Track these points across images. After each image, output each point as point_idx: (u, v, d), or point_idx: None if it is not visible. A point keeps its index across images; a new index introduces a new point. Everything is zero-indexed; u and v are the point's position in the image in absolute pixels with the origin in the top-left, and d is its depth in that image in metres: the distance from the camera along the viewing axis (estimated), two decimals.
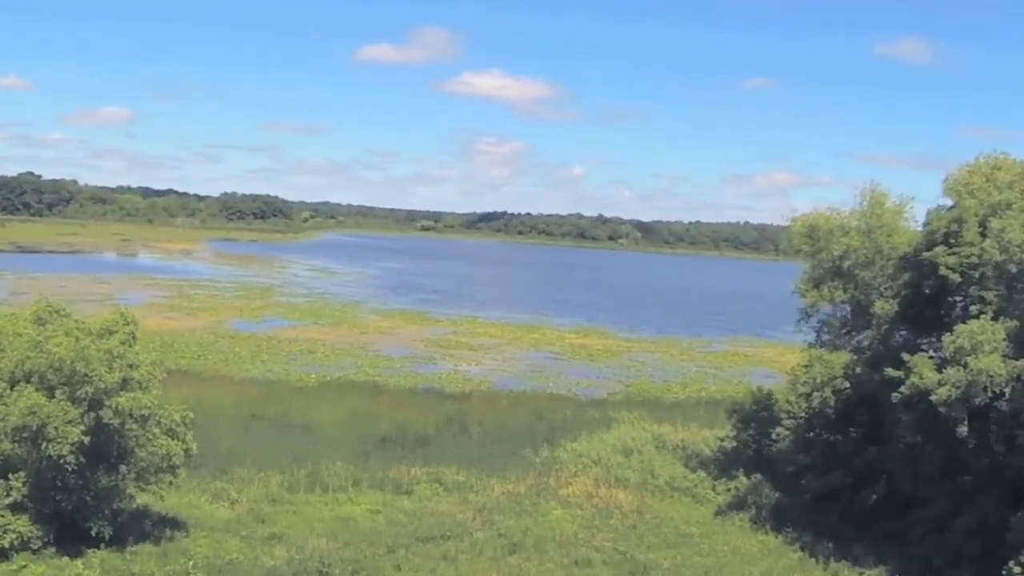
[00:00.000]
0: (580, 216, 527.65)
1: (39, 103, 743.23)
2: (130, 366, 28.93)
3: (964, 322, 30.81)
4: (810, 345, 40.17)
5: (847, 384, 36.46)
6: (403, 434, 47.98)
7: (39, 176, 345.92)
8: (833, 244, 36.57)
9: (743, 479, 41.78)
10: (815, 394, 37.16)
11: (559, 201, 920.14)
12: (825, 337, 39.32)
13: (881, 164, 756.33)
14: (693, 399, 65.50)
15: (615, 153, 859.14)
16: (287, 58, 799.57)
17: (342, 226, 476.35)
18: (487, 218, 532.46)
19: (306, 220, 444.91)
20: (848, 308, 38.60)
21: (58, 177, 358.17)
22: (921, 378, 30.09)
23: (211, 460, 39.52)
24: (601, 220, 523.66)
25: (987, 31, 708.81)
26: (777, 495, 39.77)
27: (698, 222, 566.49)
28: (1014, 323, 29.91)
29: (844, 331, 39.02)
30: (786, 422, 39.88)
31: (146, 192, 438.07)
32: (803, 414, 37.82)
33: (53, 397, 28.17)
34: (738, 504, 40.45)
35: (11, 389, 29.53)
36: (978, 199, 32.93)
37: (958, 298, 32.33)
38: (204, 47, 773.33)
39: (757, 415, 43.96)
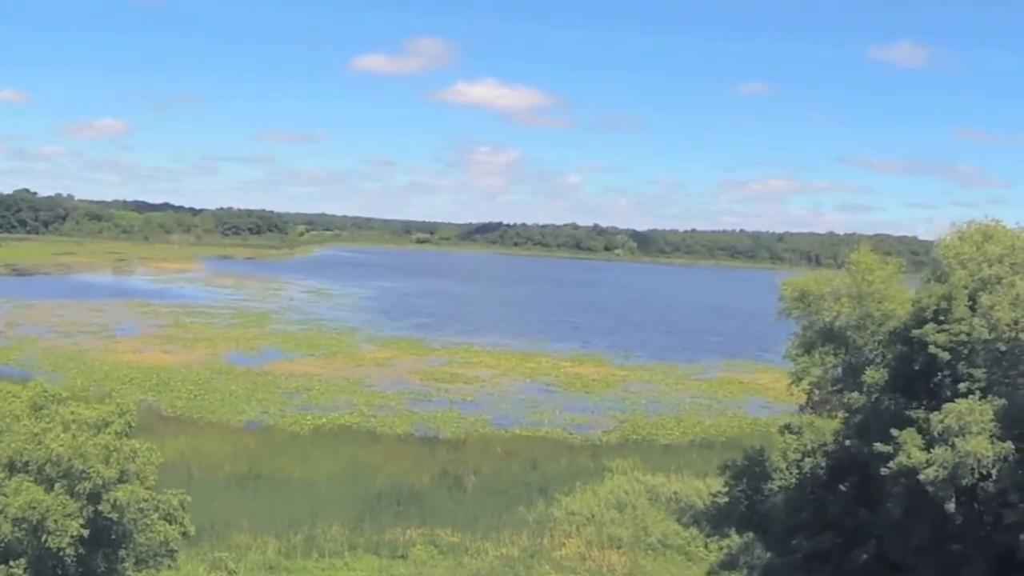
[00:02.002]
0: (575, 227, 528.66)
1: (34, 116, 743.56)
2: (127, 458, 29.24)
3: (953, 398, 31.24)
4: (800, 408, 40.60)
5: (837, 449, 36.87)
6: (398, 490, 48.30)
7: (35, 193, 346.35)
8: (824, 310, 36.98)
9: (735, 537, 42.23)
10: (806, 459, 37.60)
11: (555, 210, 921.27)
12: (816, 398, 39.70)
13: (877, 169, 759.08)
14: (686, 442, 65.74)
15: (611, 161, 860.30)
16: (282, 69, 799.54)
17: (338, 240, 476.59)
18: (483, 229, 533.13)
19: (301, 234, 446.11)
20: (839, 368, 38.98)
21: (54, 191, 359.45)
22: (909, 457, 30.52)
23: (208, 526, 39.80)
24: (597, 230, 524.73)
25: (982, 33, 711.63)
26: (769, 555, 40.21)
27: (694, 230, 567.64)
28: (1002, 401, 30.37)
29: (835, 390, 39.39)
30: (778, 482, 40.27)
31: (142, 206, 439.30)
32: (794, 480, 38.23)
33: (52, 490, 28.47)
34: (730, 563, 40.87)
35: (9, 476, 29.85)
36: (968, 270, 33.37)
37: (947, 372, 32.65)
38: (198, 59, 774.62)
39: (749, 470, 44.35)
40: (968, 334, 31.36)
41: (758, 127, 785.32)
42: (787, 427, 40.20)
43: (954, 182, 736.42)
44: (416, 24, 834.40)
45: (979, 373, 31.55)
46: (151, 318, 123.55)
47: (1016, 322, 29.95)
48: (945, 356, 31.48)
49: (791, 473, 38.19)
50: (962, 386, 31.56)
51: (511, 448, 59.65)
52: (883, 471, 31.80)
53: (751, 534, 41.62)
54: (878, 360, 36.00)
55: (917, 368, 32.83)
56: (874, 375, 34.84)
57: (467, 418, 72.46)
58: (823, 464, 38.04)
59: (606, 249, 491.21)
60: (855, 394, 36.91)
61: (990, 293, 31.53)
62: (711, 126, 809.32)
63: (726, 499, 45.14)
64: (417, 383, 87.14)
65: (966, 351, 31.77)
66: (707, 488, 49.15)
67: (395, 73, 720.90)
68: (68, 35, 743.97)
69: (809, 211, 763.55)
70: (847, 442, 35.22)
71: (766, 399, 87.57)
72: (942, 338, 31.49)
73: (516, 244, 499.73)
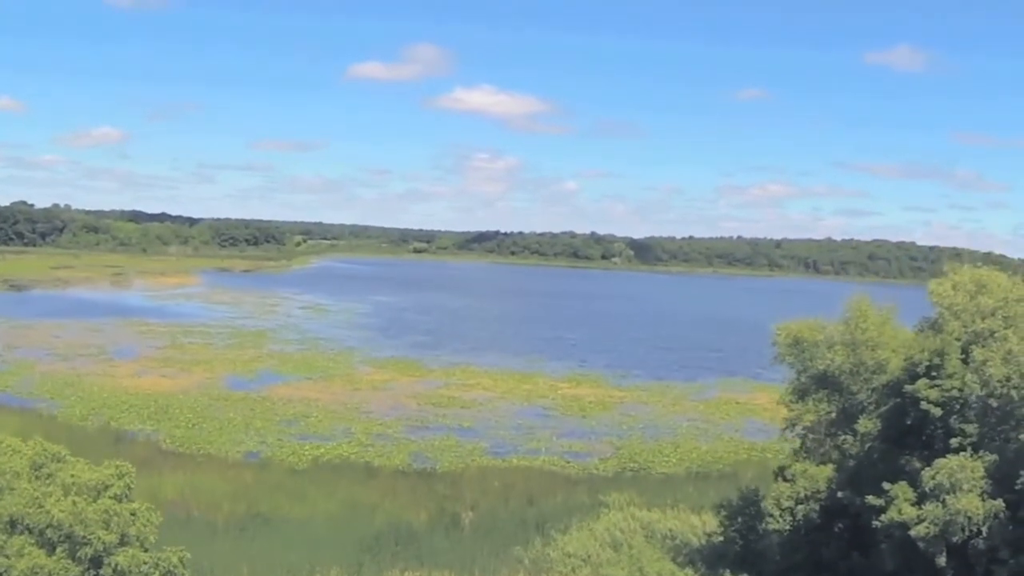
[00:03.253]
0: (573, 235, 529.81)
1: (32, 125, 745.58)
2: (127, 522, 29.56)
3: (945, 452, 31.57)
4: (794, 452, 40.88)
5: (830, 496, 37.19)
6: (396, 529, 48.54)
7: (32, 205, 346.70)
8: (818, 359, 37.31)
9: None
10: (799, 507, 37.91)
11: (553, 216, 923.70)
12: (810, 443, 40.00)
13: (875, 173, 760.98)
14: (683, 473, 65.93)
15: (608, 167, 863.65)
16: (279, 77, 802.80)
17: (335, 250, 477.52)
18: (480, 239, 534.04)
19: (298, 244, 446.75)
20: (833, 412, 39.28)
21: (51, 199, 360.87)
22: (900, 513, 30.85)
23: (210, 572, 40.00)
24: (594, 238, 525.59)
25: (980, 37, 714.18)
26: None
27: (691, 237, 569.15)
28: (993, 457, 30.71)
29: (829, 434, 39.70)
30: (772, 525, 40.58)
31: (139, 215, 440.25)
32: (788, 527, 38.55)
33: (53, 554, 28.79)
34: None
35: (10, 535, 30.15)
36: (961, 321, 33.69)
37: (939, 427, 32.92)
38: (195, 67, 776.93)
39: (744, 510, 44.59)
40: (960, 390, 31.69)
41: (756, 132, 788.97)
42: (781, 474, 40.49)
43: (952, 186, 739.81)
44: (413, 31, 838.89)
45: (971, 428, 31.87)
46: (149, 338, 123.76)
47: (1008, 379, 30.28)
48: (937, 412, 31.81)
49: (784, 520, 38.51)
50: (954, 441, 31.88)
51: (508, 481, 59.86)
52: (875, 524, 32.11)
53: (746, 575, 41.87)
54: (871, 408, 36.32)
55: (909, 423, 33.16)
56: (867, 424, 35.16)
57: (464, 446, 72.72)
58: (816, 509, 38.36)
59: (603, 258, 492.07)
60: (848, 439, 37.25)
61: (983, 347, 31.83)
62: (709, 132, 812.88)
63: (721, 538, 45.41)
64: (414, 408, 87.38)
65: (958, 406, 32.09)
66: (703, 524, 49.49)
67: (392, 80, 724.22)
68: (65, 43, 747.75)
69: (807, 216, 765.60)
70: (839, 493, 35.52)
71: (763, 421, 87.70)
72: (934, 394, 31.82)
73: (513, 253, 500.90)
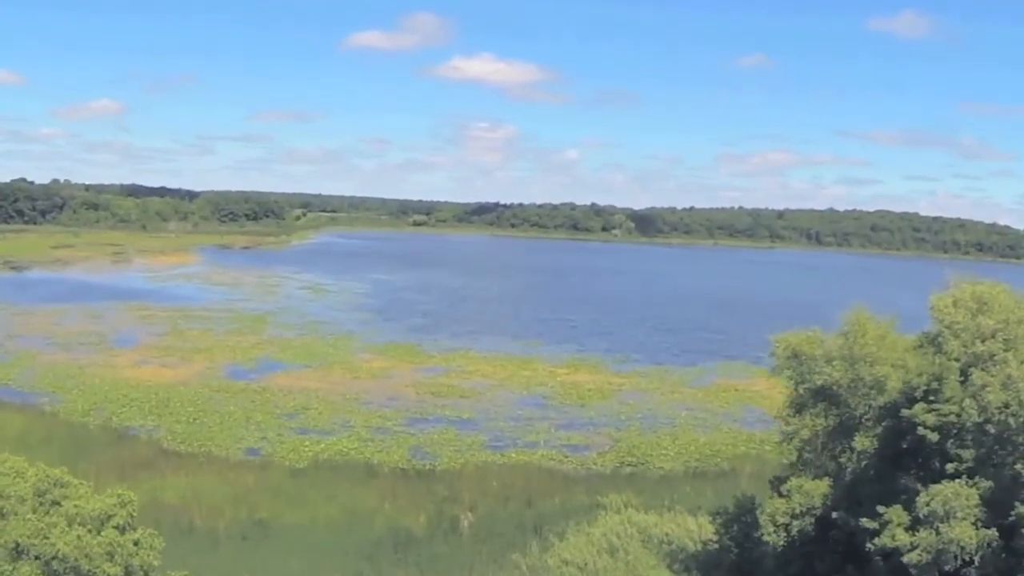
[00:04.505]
0: (573, 206, 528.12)
1: (30, 98, 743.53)
2: (130, 554, 29.96)
3: (941, 477, 31.75)
4: (791, 465, 41.15)
5: (825, 513, 37.49)
6: (395, 535, 49.09)
7: (31, 183, 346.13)
8: (816, 374, 37.44)
9: None
10: (794, 522, 38.24)
11: (553, 186, 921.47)
12: (807, 455, 40.24)
13: (878, 142, 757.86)
14: (680, 471, 66.33)
15: (609, 136, 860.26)
16: (277, 47, 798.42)
17: (334, 223, 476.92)
18: (480, 211, 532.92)
19: (298, 218, 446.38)
20: (830, 425, 39.46)
21: (50, 174, 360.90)
22: (894, 539, 31.14)
23: None
24: (594, 210, 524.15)
25: (985, 3, 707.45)
26: None
27: (692, 208, 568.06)
28: (988, 484, 30.92)
29: (826, 447, 39.93)
30: (767, 537, 40.92)
31: (138, 189, 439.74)
32: (782, 543, 38.90)
33: None
34: None
35: (14, 561, 30.55)
36: (961, 340, 33.72)
37: (935, 451, 33.03)
38: (194, 38, 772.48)
39: (739, 518, 44.98)
40: (958, 415, 31.82)
41: (758, 100, 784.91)
42: (776, 488, 40.76)
43: (956, 155, 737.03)
44: (412, 0, 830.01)
45: (967, 454, 32.04)
46: (149, 324, 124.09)
47: (1007, 405, 30.43)
48: (934, 437, 31.98)
49: (779, 536, 38.85)
50: (950, 466, 32.06)
51: (506, 481, 60.28)
52: (868, 547, 32.42)
53: None
54: (868, 424, 36.52)
55: (905, 446, 33.36)
56: (864, 442, 35.38)
57: (463, 439, 73.15)
58: (812, 523, 38.68)
59: (604, 230, 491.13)
60: (846, 454, 37.52)
61: (982, 370, 31.93)
62: (710, 100, 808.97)
63: (716, 546, 45.85)
64: (414, 398, 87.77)
65: (955, 430, 32.24)
66: (699, 529, 49.93)
67: (391, 49, 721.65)
68: (64, 16, 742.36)
69: (809, 185, 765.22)
70: (834, 514, 35.80)
71: (761, 409, 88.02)
72: (931, 419, 31.96)
73: (513, 226, 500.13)
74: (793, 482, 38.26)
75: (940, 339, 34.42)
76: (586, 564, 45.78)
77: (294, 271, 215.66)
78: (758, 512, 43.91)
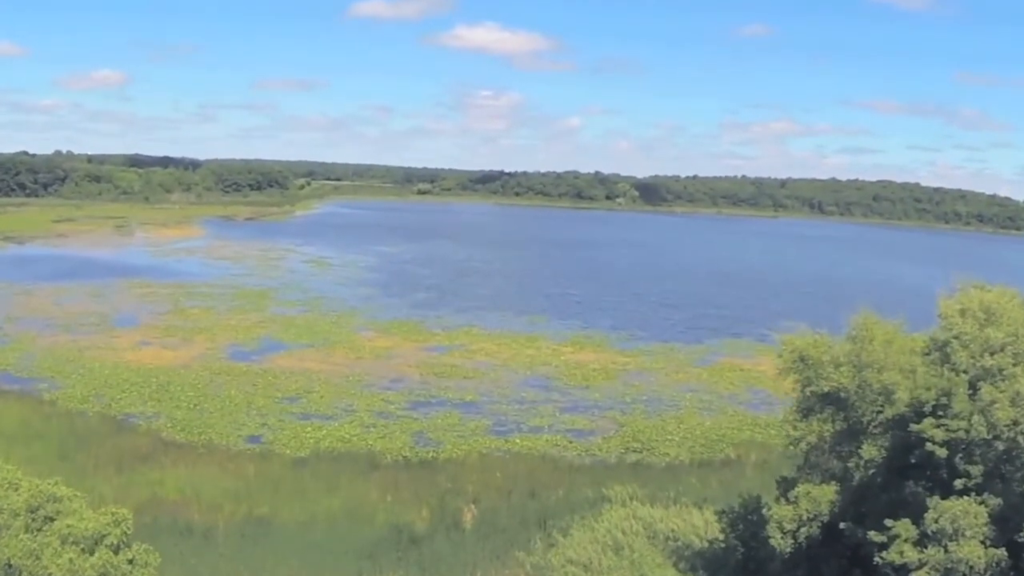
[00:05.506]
0: (577, 175, 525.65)
1: (32, 69, 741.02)
2: (124, 573, 29.31)
3: (950, 492, 30.96)
4: (798, 468, 40.37)
5: (833, 519, 36.76)
6: (397, 532, 48.41)
7: (33, 156, 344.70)
8: (823, 380, 36.55)
9: None
10: (801, 529, 37.51)
11: (556, 154, 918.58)
12: (814, 459, 39.45)
13: (879, 111, 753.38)
14: (685, 458, 65.67)
15: (611, 104, 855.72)
16: (281, 14, 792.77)
17: (338, 192, 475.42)
18: (484, 179, 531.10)
19: (302, 187, 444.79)
20: (837, 428, 38.64)
21: (52, 144, 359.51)
22: (901, 555, 30.40)
23: None
24: (598, 178, 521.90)
25: None
26: None
27: (695, 176, 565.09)
28: (997, 501, 30.14)
29: (834, 451, 39.14)
30: (774, 543, 40.21)
31: (141, 160, 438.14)
32: (789, 550, 38.19)
33: None
34: None
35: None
36: (970, 351, 32.80)
37: (944, 465, 32.18)
38: (196, 5, 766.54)
39: (745, 518, 44.28)
40: (967, 431, 30.98)
41: (759, 69, 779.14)
42: (784, 491, 39.95)
43: (956, 125, 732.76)
44: None
45: (976, 470, 31.22)
46: (151, 302, 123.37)
47: (1016, 422, 29.61)
48: (943, 452, 31.15)
49: (786, 542, 38.13)
50: (959, 482, 31.27)
51: (510, 471, 59.57)
52: (876, 560, 31.69)
53: None
54: (876, 432, 35.67)
55: (914, 461, 32.54)
56: (871, 451, 34.57)
57: (467, 424, 72.54)
58: (819, 528, 37.97)
59: (607, 198, 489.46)
60: (853, 459, 36.72)
61: (991, 385, 31.05)
62: (712, 68, 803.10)
63: (722, 544, 45.19)
64: (417, 379, 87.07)
65: (964, 446, 31.41)
66: (705, 524, 49.20)
67: (395, 17, 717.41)
68: None
69: (811, 153, 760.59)
70: (842, 524, 35.05)
71: (766, 390, 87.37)
72: (940, 434, 31.12)
73: (517, 194, 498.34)
74: (800, 488, 37.50)
75: (948, 349, 33.47)
76: (591, 562, 45.11)
77: (297, 244, 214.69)
78: (764, 511, 43.28)
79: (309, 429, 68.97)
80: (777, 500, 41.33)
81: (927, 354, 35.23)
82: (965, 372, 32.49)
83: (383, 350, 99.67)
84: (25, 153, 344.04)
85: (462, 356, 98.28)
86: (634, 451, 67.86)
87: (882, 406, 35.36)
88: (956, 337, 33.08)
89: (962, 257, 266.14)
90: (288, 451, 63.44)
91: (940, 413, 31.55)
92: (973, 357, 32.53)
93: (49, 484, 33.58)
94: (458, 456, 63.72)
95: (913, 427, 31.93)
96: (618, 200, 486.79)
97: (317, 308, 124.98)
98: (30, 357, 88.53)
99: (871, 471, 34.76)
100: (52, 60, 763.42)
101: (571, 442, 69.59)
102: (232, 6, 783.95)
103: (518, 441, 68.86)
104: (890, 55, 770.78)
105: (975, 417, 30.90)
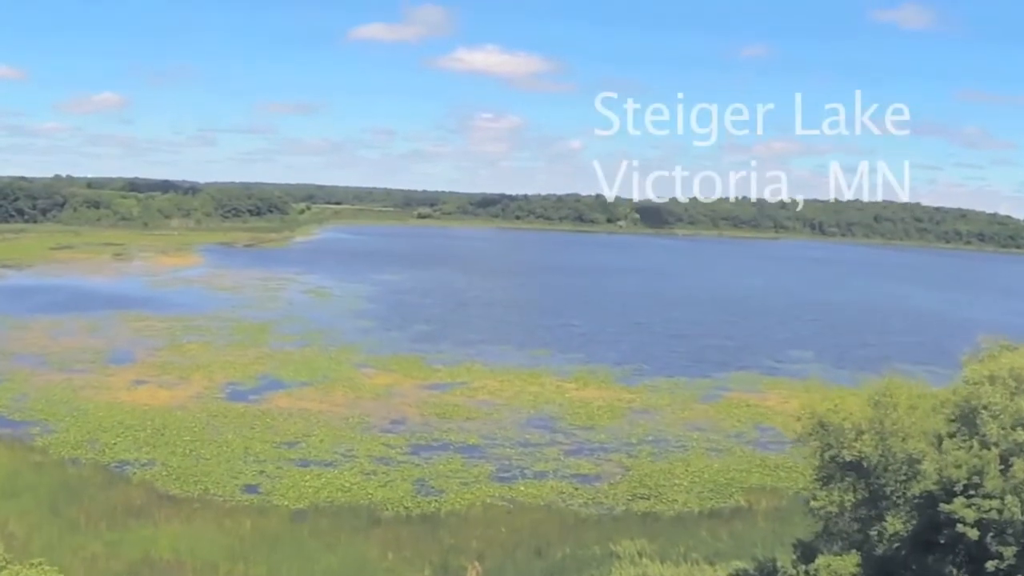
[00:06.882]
0: (578, 198, 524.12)
1: (32, 93, 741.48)
2: None
3: (979, 572, 29.17)
4: (816, 535, 38.59)
5: None
6: None
7: (31, 180, 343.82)
8: (844, 449, 34.78)
9: None
10: None
11: (557, 176, 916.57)
12: (834, 527, 37.61)
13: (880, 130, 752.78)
14: (695, 506, 63.81)
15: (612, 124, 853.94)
16: (280, 38, 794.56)
17: (338, 217, 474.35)
18: (485, 203, 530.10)
19: (302, 212, 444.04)
20: (859, 497, 36.84)
21: (52, 168, 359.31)
22: None
23: None
24: (600, 201, 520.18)
25: None
26: None
27: (695, 199, 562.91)
28: None
29: (856, 518, 37.32)
30: None
31: (140, 183, 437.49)
32: None
33: None
34: None
35: None
36: (999, 423, 31.11)
37: (975, 546, 30.42)
38: (196, 28, 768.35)
39: None
40: (999, 511, 29.23)
41: (760, 90, 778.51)
42: (801, 555, 38.16)
43: (958, 144, 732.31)
44: None
45: (1009, 552, 29.44)
46: (147, 337, 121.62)
47: None
48: (974, 534, 29.39)
49: None
50: (990, 564, 29.46)
51: (515, 525, 57.69)
52: None
53: None
54: (901, 504, 33.90)
55: (943, 541, 30.78)
56: (896, 524, 32.81)
57: (470, 469, 70.70)
58: None
59: (609, 221, 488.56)
60: (876, 528, 34.92)
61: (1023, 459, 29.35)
62: (712, 89, 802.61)
63: None
64: (418, 420, 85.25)
65: (996, 526, 29.64)
66: None
67: (395, 40, 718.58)
68: (64, 7, 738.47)
69: (812, 174, 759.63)
70: None
71: (774, 428, 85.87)
72: (971, 514, 29.37)
73: (518, 217, 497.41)
74: (821, 560, 35.70)
75: (978, 420, 31.74)
76: None
77: (296, 272, 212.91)
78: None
79: (308, 477, 67.13)
80: (794, 565, 39.50)
81: (952, 420, 33.54)
82: (996, 445, 30.76)
83: (383, 388, 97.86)
84: (23, 178, 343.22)
85: (464, 394, 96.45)
86: (641, 498, 66.00)
87: (907, 476, 33.62)
88: (985, 407, 31.36)
89: (964, 278, 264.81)
90: (286, 502, 61.55)
91: (971, 492, 29.79)
92: (1004, 429, 30.81)
93: (33, 566, 32.03)
94: (461, 507, 61.79)
95: (943, 507, 30.15)
96: (619, 223, 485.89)
97: (316, 342, 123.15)
98: (23, 398, 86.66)
99: (895, 544, 32.94)
100: (52, 83, 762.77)
101: (576, 488, 67.76)
102: (232, 30, 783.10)
103: (522, 488, 67.03)
104: (892, 75, 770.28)
105: (1008, 497, 29.17)
